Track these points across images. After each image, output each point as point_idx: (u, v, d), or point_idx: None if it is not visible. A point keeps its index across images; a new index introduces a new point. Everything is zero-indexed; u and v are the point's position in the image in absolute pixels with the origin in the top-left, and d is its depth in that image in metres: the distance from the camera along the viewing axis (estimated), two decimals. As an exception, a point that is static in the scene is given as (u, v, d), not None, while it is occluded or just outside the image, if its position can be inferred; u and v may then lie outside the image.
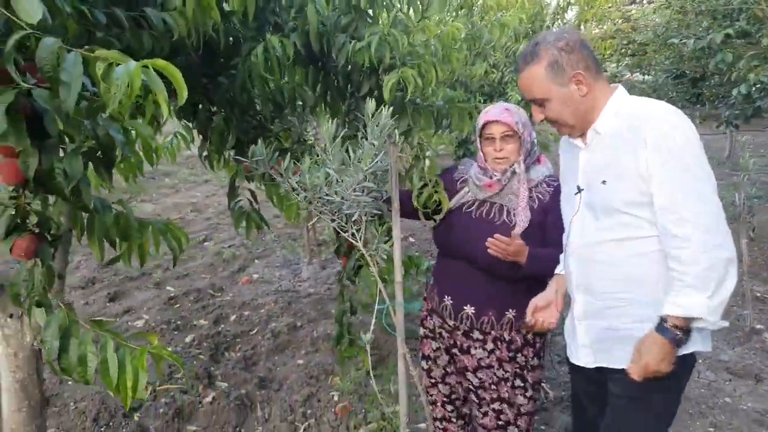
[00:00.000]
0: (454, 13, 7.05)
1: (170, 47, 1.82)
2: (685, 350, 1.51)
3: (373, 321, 1.69)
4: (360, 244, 1.56)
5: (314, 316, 4.18)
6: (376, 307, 1.72)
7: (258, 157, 1.51)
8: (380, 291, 1.60)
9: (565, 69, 1.53)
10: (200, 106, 2.20)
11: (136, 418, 2.90)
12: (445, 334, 2.16)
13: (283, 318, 4.14)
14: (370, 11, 2.21)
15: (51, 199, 1.22)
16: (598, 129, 1.58)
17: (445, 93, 6.65)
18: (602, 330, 1.65)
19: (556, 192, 1.98)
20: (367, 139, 1.38)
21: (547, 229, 1.99)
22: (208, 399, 3.05)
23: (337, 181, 1.38)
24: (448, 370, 2.24)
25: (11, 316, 2.04)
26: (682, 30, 6.27)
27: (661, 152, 1.43)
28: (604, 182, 1.55)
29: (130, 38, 1.61)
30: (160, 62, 0.98)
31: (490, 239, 1.86)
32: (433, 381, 2.28)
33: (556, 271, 1.89)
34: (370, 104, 1.40)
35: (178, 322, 4.05)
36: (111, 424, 2.84)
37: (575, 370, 1.80)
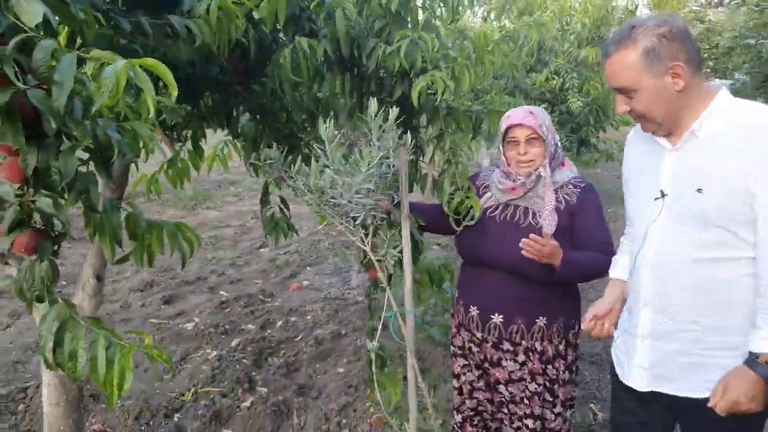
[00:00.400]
0: (512, 17, 6.94)
1: (201, 55, 1.86)
2: None
3: (379, 328, 1.64)
4: (368, 249, 1.53)
5: (359, 324, 4.15)
6: (383, 314, 1.66)
7: (271, 160, 1.50)
8: (388, 298, 1.55)
9: (662, 58, 1.35)
10: (234, 113, 2.24)
11: (175, 419, 2.96)
12: (474, 349, 2.08)
13: (329, 325, 4.14)
14: (407, 16, 2.18)
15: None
16: (696, 130, 1.40)
17: (502, 99, 6.52)
18: (668, 354, 1.50)
19: (583, 193, 1.94)
20: (371, 140, 1.34)
21: (575, 232, 1.92)
22: (247, 403, 3.07)
23: (342, 184, 1.35)
24: (475, 385, 2.16)
25: (51, 313, 2.13)
26: (760, 30, 5.89)
27: None
28: (699, 190, 1.38)
29: (157, 45, 1.65)
30: (150, 61, 0.98)
31: (524, 240, 1.76)
32: (462, 398, 2.21)
33: (614, 275, 1.75)
34: (374, 103, 1.36)
35: (227, 326, 4.12)
36: (151, 423, 2.90)
37: (623, 390, 1.65)
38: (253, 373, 3.42)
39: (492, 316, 1.98)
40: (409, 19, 2.16)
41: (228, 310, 4.51)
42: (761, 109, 1.39)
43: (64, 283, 5.03)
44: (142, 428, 2.86)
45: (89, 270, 2.16)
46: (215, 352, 3.69)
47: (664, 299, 1.48)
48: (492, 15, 7.22)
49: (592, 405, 3.04)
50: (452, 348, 2.19)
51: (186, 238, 1.41)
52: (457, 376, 2.19)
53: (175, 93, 1.00)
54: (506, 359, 2.01)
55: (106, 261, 2.15)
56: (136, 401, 3.10)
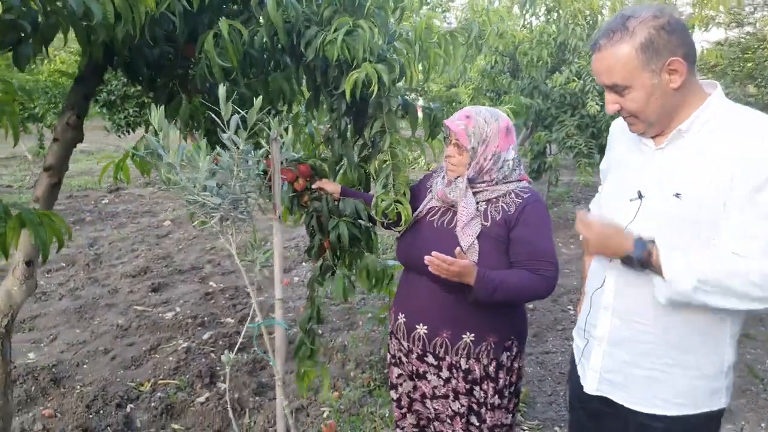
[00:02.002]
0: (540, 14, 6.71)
1: (142, 36, 1.76)
2: (715, 405, 1.36)
3: (240, 339, 1.52)
4: (233, 250, 1.42)
5: (339, 325, 4.06)
6: (246, 324, 1.55)
7: (148, 149, 1.39)
8: (254, 306, 1.44)
9: (661, 53, 1.23)
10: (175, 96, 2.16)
11: (128, 410, 2.92)
12: (404, 359, 1.95)
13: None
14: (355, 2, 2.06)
15: None
16: (683, 130, 1.30)
17: (518, 100, 6.27)
18: (622, 362, 1.42)
19: (524, 203, 1.75)
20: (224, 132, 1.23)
21: (511, 244, 1.74)
22: (201, 399, 3.01)
23: (186, 180, 1.24)
24: (412, 396, 2.03)
25: (-22, 297, 2.09)
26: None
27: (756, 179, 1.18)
28: (677, 195, 1.27)
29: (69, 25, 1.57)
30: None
31: (427, 257, 1.60)
32: (401, 412, 2.08)
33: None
34: (222, 90, 1.25)
35: (205, 318, 4.08)
36: (101, 411, 2.87)
37: (580, 389, 1.55)
38: (218, 368, 3.36)
39: (417, 326, 1.86)
40: (365, 7, 2.04)
41: (212, 301, 4.47)
42: (753, 117, 1.27)
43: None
44: (91, 416, 2.82)
45: (19, 255, 2.11)
46: (186, 344, 3.65)
47: (624, 305, 1.40)
48: (516, 9, 7.01)
49: (557, 429, 2.87)
50: (388, 356, 2.07)
51: (53, 229, 1.33)
52: (395, 387, 2.07)
53: None
54: (430, 373, 1.88)
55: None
56: (95, 388, 3.07)
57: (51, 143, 2.09)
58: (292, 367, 3.41)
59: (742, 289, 1.18)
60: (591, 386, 1.50)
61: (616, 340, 1.43)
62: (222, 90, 1.25)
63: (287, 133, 1.52)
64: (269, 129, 1.39)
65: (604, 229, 1.33)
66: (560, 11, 7.00)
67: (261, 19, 1.96)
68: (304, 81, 2.21)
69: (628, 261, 1.30)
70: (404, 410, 2.07)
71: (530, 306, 4.44)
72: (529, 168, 6.89)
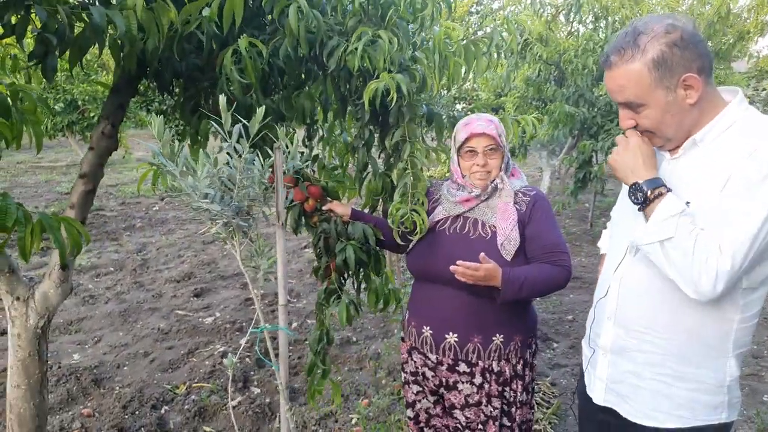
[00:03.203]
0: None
1: (169, 49, 1.83)
2: (716, 420, 1.32)
3: (242, 343, 1.53)
4: (238, 256, 1.44)
5: (373, 333, 4.06)
6: (250, 329, 1.56)
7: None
8: (257, 312, 1.45)
9: (674, 69, 1.19)
10: (200, 109, 2.21)
11: (162, 411, 3.00)
12: (429, 374, 1.94)
13: (342, 331, 4.07)
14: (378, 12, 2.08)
15: None
16: (698, 139, 1.26)
17: (562, 109, 6.15)
18: (624, 372, 1.40)
19: (533, 201, 1.83)
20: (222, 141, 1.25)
21: (527, 241, 1.79)
22: (233, 403, 3.06)
23: (187, 187, 1.27)
24: (432, 412, 2.01)
25: (18, 298, 2.19)
26: None
27: (747, 186, 1.13)
28: (687, 203, 1.23)
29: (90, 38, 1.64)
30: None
31: (452, 267, 1.64)
32: (419, 427, 2.07)
33: (604, 250, 1.69)
34: (222, 100, 1.27)
35: (244, 324, 4.15)
36: (137, 412, 2.95)
37: (587, 400, 1.53)
38: (252, 373, 3.41)
39: (446, 336, 1.85)
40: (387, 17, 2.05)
41: (252, 307, 4.54)
42: None
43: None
44: (126, 416, 2.91)
45: (55, 258, 2.20)
46: (222, 348, 3.72)
47: (627, 313, 1.38)
48: (562, 17, 6.90)
49: None
50: (404, 375, 2.06)
51: (71, 233, 1.39)
52: (412, 404, 2.06)
53: None
54: (462, 382, 1.87)
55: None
56: (132, 389, 3.17)
57: (87, 151, 2.18)
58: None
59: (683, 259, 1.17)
60: (599, 396, 1.47)
61: (619, 349, 1.40)
62: (222, 100, 1.28)
63: (292, 143, 1.54)
64: (274, 139, 1.42)
65: (642, 149, 1.29)
66: (609, 18, 6.86)
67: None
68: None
69: (635, 187, 1.27)
70: (422, 425, 2.06)
71: (569, 317, 4.34)
72: (575, 177, 6.74)
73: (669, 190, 1.24)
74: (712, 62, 1.23)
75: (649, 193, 1.24)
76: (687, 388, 1.31)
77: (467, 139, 1.82)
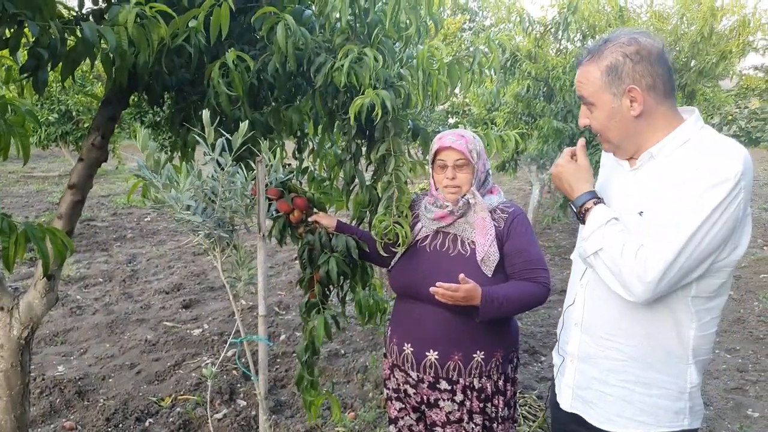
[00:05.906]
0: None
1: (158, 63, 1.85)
2: (677, 426, 1.36)
3: (226, 355, 1.54)
4: (219, 266, 1.45)
5: (361, 345, 4.06)
6: (229, 340, 1.58)
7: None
8: (237, 323, 1.46)
9: (622, 78, 1.28)
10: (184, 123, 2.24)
11: (146, 424, 2.98)
12: (410, 391, 1.95)
13: (330, 344, 4.07)
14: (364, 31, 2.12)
15: None
16: (654, 153, 1.33)
17: (550, 124, 6.18)
18: (590, 378, 1.44)
19: (511, 217, 1.84)
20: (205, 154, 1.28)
21: (506, 257, 1.81)
22: (219, 415, 3.05)
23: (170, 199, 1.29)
24: (414, 429, 2.02)
25: (1, 308, 2.19)
26: None
27: (687, 197, 1.20)
28: (640, 213, 1.30)
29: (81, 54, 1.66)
30: None
31: (432, 288, 1.66)
32: None
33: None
34: (206, 115, 1.29)
35: (231, 336, 4.15)
36: (121, 425, 2.94)
37: (559, 410, 1.55)
38: (238, 385, 3.40)
39: (427, 353, 1.86)
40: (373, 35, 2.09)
41: (241, 319, 4.53)
42: (719, 138, 1.28)
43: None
44: (110, 429, 2.89)
45: (40, 268, 2.21)
46: (209, 360, 3.71)
47: (592, 320, 1.43)
48: (551, 36, 6.98)
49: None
50: (386, 391, 2.07)
51: (55, 243, 1.40)
52: (395, 421, 2.06)
53: None
54: (443, 399, 1.88)
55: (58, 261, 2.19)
56: (117, 401, 3.16)
57: (76, 162, 2.20)
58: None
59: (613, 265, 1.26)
60: (566, 403, 1.50)
61: (585, 356, 1.44)
62: (206, 114, 1.30)
63: (275, 156, 1.56)
64: (259, 152, 1.44)
65: (581, 165, 1.41)
66: (596, 36, 6.95)
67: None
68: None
69: (571, 206, 1.39)
70: None
71: (557, 331, 4.36)
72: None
73: (598, 201, 1.34)
74: (669, 83, 1.31)
75: (576, 210, 1.36)
76: (650, 394, 1.35)
77: (437, 152, 1.86)
